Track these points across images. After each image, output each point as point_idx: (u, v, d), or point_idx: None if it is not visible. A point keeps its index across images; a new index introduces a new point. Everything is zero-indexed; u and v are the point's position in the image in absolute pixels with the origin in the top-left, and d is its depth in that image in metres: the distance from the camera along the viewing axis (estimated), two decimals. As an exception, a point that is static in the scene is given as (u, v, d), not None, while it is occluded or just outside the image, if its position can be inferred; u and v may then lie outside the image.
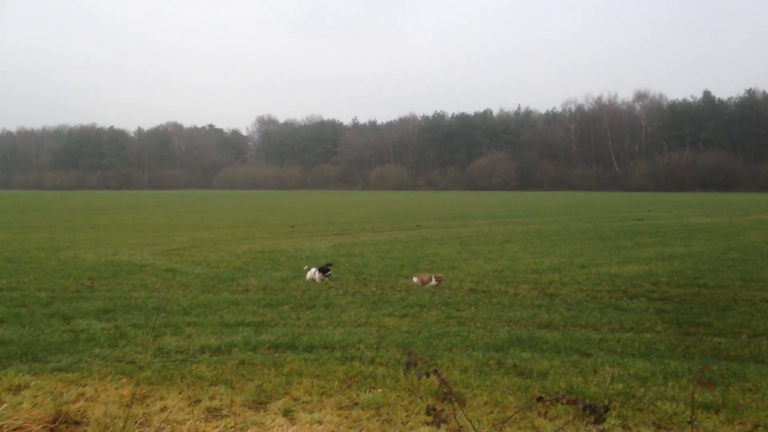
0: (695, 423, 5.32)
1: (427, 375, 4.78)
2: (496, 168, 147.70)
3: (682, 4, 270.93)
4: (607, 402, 4.50)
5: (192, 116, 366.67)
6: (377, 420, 6.65)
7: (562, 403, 5.88)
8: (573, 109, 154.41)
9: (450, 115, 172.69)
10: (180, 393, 7.43)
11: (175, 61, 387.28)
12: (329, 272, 15.59)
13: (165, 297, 13.53)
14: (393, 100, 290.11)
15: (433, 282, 14.54)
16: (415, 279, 14.93)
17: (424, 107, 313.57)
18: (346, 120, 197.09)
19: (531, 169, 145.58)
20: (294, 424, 6.24)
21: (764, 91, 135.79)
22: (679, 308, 12.22)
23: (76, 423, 6.36)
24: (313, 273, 15.62)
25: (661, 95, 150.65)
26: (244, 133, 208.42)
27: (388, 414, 6.80)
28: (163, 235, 29.36)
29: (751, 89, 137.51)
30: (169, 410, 6.86)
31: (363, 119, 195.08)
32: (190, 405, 7.02)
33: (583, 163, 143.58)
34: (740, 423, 6.43)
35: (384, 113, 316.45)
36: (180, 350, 9.28)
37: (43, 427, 6.18)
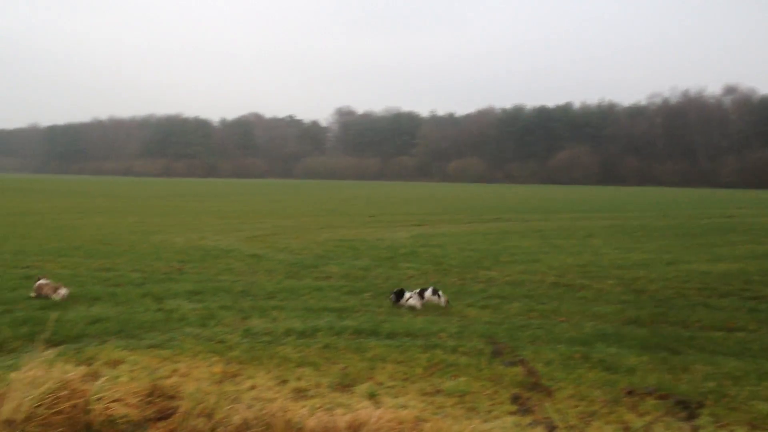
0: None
1: (513, 365, 4.76)
2: (577, 162, 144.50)
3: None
4: (699, 399, 4.37)
5: (272, 107, 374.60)
6: (461, 407, 6.67)
7: (653, 398, 5.78)
8: (659, 102, 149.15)
9: (529, 107, 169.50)
10: (268, 372, 7.65)
11: (252, 56, 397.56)
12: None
13: (251, 281, 13.92)
14: (467, 90, 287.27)
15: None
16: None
17: (501, 99, 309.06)
18: (423, 112, 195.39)
19: (614, 163, 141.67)
20: (379, 407, 6.32)
21: None
22: (774, 309, 11.72)
23: (171, 397, 6.62)
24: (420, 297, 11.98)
25: (752, 89, 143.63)
26: (323, 124, 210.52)
27: (472, 402, 6.81)
28: (247, 222, 30.10)
29: None
30: (258, 389, 7.07)
31: (441, 111, 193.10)
32: (278, 384, 7.23)
33: (668, 158, 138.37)
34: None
35: (461, 105, 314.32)
36: (267, 332, 9.55)
37: (140, 400, 6.47)
